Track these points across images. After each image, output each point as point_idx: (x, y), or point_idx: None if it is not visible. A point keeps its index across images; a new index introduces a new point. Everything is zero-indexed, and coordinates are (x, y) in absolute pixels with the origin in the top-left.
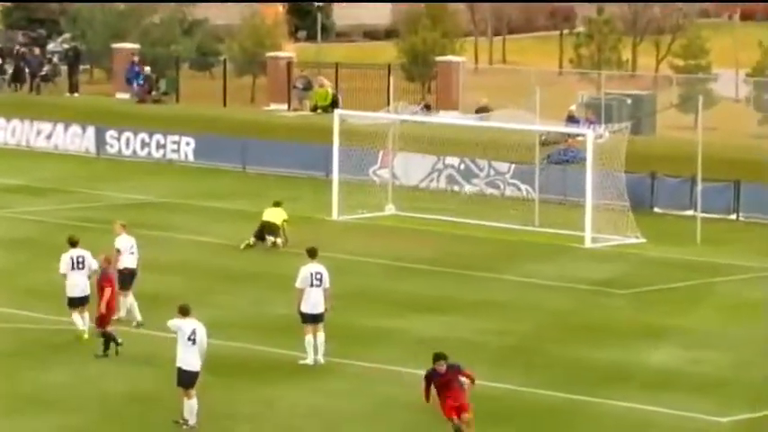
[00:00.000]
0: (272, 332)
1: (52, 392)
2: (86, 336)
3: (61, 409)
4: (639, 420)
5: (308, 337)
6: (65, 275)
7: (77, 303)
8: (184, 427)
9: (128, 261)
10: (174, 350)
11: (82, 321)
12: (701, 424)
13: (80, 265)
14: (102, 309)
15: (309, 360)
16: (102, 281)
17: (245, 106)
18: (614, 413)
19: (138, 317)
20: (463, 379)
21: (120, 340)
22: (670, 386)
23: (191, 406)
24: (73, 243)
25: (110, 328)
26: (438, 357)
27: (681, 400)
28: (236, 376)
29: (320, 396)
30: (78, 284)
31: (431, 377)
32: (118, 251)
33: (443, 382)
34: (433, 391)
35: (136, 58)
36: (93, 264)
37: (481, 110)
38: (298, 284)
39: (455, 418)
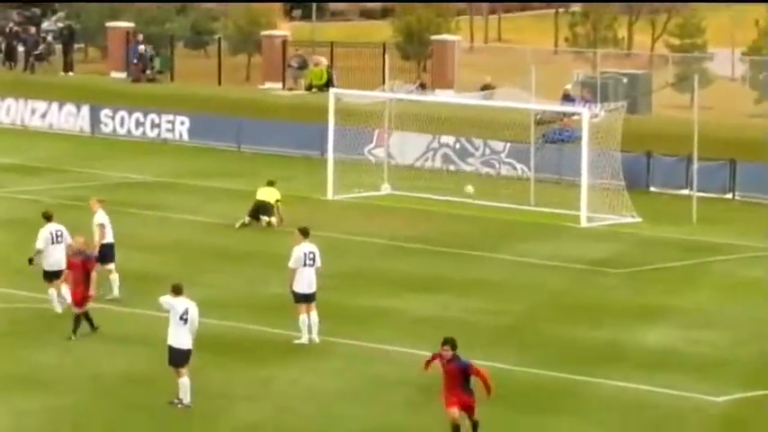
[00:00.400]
0: (266, 311)
1: (45, 372)
2: (60, 310)
3: (54, 390)
4: (635, 400)
5: (303, 317)
6: (41, 250)
7: (54, 277)
8: (179, 406)
9: (109, 236)
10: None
11: (57, 296)
12: (696, 403)
13: (59, 239)
14: (92, 291)
15: (304, 339)
16: (86, 263)
17: (240, 85)
18: (609, 393)
19: (116, 292)
20: (473, 380)
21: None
22: (665, 366)
23: (183, 385)
24: (48, 217)
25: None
26: (445, 341)
27: (676, 379)
28: (231, 356)
29: (315, 375)
30: (57, 259)
31: (436, 356)
32: (102, 225)
33: (447, 370)
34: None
35: (140, 37)
36: (68, 238)
37: (485, 87)
38: (291, 264)
39: (454, 409)
